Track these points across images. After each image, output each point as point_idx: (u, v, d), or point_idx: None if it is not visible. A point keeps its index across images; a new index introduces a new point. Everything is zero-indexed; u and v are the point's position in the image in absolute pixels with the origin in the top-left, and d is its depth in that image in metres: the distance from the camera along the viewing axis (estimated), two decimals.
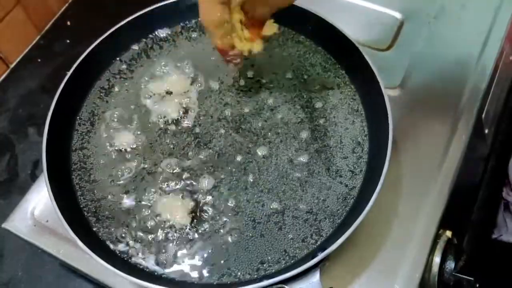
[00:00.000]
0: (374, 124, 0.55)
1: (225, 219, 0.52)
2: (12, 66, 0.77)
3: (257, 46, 0.50)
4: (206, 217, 0.52)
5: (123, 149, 0.56)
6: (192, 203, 0.53)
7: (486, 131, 0.61)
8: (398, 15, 0.68)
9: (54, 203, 0.49)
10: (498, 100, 0.66)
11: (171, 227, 0.52)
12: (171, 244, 0.51)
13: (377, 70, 0.54)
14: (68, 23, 0.82)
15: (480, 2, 0.68)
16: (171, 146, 0.56)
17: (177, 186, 0.54)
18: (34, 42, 0.79)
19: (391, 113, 0.52)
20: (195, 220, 0.52)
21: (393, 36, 0.67)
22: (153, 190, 0.54)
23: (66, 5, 0.83)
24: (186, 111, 0.58)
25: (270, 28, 0.51)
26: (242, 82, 0.60)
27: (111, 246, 0.51)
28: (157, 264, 0.50)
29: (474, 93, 0.62)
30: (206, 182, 0.54)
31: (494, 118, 0.64)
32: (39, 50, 0.79)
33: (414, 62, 0.64)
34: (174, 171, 0.55)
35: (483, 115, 0.61)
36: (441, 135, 0.59)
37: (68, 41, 0.80)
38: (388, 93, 0.60)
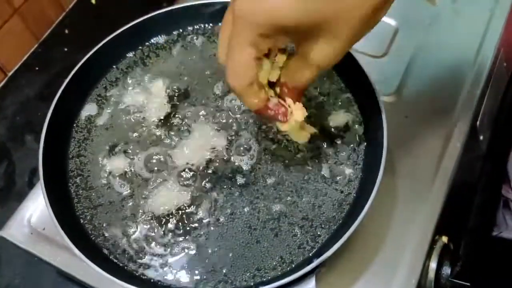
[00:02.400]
0: (369, 130, 0.56)
1: (220, 225, 0.52)
2: (10, 74, 0.78)
3: (299, 114, 0.43)
4: (202, 223, 0.52)
5: (120, 157, 0.56)
6: (188, 209, 0.53)
7: (481, 137, 0.62)
8: (392, 22, 0.68)
9: (51, 210, 0.49)
10: (493, 106, 0.67)
11: (167, 233, 0.52)
12: (167, 251, 0.51)
13: (372, 77, 0.54)
14: (66, 31, 0.82)
15: (474, 9, 0.69)
16: (167, 155, 0.56)
17: (175, 191, 0.54)
18: (32, 50, 0.80)
19: (386, 120, 0.52)
20: (191, 226, 0.52)
21: (388, 43, 0.67)
22: (150, 197, 0.54)
23: (64, 13, 0.83)
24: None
25: (299, 113, 0.43)
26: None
27: (108, 254, 0.51)
28: (154, 271, 0.50)
29: (468, 99, 0.62)
30: (203, 189, 0.54)
31: (489, 123, 0.64)
32: (37, 58, 0.80)
33: (409, 69, 0.65)
34: (171, 178, 0.55)
35: (478, 122, 0.61)
36: (436, 141, 0.59)
37: (65, 49, 0.80)
38: (384, 100, 0.61)
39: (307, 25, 0.36)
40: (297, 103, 0.43)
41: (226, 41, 0.39)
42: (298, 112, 0.43)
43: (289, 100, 0.43)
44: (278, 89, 0.43)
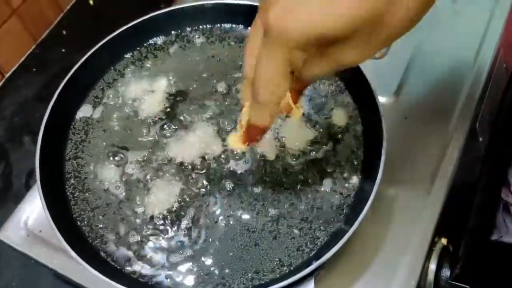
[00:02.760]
0: (368, 132, 0.55)
1: (218, 228, 0.52)
2: (7, 75, 0.78)
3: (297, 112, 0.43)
4: (200, 226, 0.52)
5: (117, 159, 0.56)
6: (186, 211, 0.53)
7: (481, 139, 0.61)
8: None
9: (47, 212, 0.49)
10: (493, 108, 0.67)
11: (165, 236, 0.51)
12: (165, 254, 0.51)
13: (371, 78, 0.54)
14: (64, 32, 0.82)
15: (474, 10, 0.69)
16: (165, 156, 0.56)
17: (172, 194, 0.53)
18: (30, 51, 0.80)
19: (385, 121, 0.52)
20: (188, 228, 0.52)
21: None
22: (147, 199, 0.53)
23: (62, 14, 0.83)
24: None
25: (297, 112, 0.43)
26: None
27: (105, 256, 0.51)
28: (151, 274, 0.50)
29: (468, 101, 0.62)
30: (200, 191, 0.54)
31: (488, 124, 0.64)
32: (35, 59, 0.79)
33: (408, 70, 0.65)
34: (168, 180, 0.54)
35: (477, 123, 0.61)
36: (435, 142, 0.59)
37: (63, 50, 0.80)
38: (383, 101, 0.61)
39: (347, 35, 0.33)
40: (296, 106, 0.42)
41: (253, 55, 0.36)
42: (296, 113, 0.43)
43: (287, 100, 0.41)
44: None
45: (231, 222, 0.52)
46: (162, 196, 0.53)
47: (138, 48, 0.63)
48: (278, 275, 0.49)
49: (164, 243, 0.51)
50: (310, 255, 0.50)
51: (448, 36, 0.67)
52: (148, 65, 0.63)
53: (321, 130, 0.57)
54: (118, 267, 0.50)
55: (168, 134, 0.57)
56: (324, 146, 0.56)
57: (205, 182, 0.54)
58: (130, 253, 0.51)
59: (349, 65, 0.36)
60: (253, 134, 0.40)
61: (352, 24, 0.32)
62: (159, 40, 0.64)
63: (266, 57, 0.34)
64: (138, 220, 0.52)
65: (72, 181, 0.55)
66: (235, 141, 0.42)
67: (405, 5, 0.33)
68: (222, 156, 0.55)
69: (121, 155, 0.56)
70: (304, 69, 0.36)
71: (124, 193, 0.54)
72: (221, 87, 0.60)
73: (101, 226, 0.52)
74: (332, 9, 0.31)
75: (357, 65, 0.37)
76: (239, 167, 0.55)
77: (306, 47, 0.33)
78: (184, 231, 0.52)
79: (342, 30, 0.32)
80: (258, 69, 0.35)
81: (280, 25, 0.32)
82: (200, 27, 0.64)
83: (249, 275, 0.49)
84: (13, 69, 0.78)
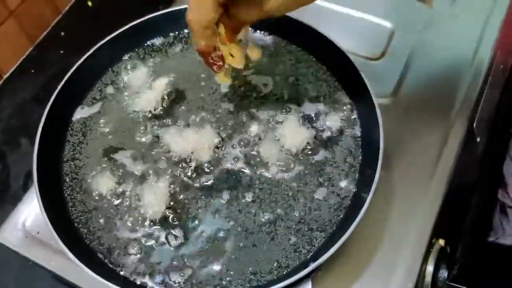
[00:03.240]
0: (366, 132, 0.56)
1: (216, 229, 0.52)
2: (5, 76, 0.77)
3: (254, 53, 0.50)
4: (197, 227, 0.52)
5: (115, 160, 0.56)
6: (183, 213, 0.53)
7: (478, 139, 0.61)
8: (388, 24, 0.68)
9: (45, 214, 0.49)
10: (490, 108, 0.67)
11: (161, 238, 0.51)
12: (162, 255, 0.51)
13: (368, 79, 0.54)
14: (62, 33, 0.82)
15: (471, 12, 0.69)
16: (163, 157, 0.56)
17: (169, 195, 0.54)
18: (28, 52, 0.79)
19: (383, 122, 0.52)
20: (185, 229, 0.52)
21: (384, 45, 0.67)
22: (144, 200, 0.53)
23: (60, 15, 0.83)
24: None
25: (254, 52, 0.51)
26: (231, 92, 0.60)
27: (103, 258, 0.51)
28: (148, 275, 0.50)
29: (465, 101, 0.62)
30: (197, 192, 0.54)
31: (486, 125, 0.64)
32: (33, 61, 0.79)
33: (405, 71, 0.65)
34: (165, 181, 0.54)
35: (475, 124, 0.61)
36: (433, 143, 0.59)
37: (61, 51, 0.80)
38: (380, 102, 0.61)
39: None
40: (235, 51, 0.49)
41: None
42: (255, 53, 0.51)
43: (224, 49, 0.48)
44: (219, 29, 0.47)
45: (228, 224, 0.52)
46: (159, 197, 0.53)
47: (136, 50, 0.64)
48: (275, 277, 0.49)
49: (160, 245, 0.51)
50: (307, 256, 0.50)
51: (445, 37, 0.67)
52: (146, 66, 0.62)
53: (319, 131, 0.57)
54: (115, 269, 0.50)
55: (166, 135, 0.57)
56: (321, 147, 0.56)
57: (202, 183, 0.54)
58: (127, 255, 0.51)
59: (274, 9, 0.42)
60: (206, 58, 0.48)
61: None
62: (158, 41, 0.64)
63: None
64: (135, 222, 0.52)
65: (69, 182, 0.55)
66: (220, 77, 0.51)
67: None
68: (220, 157, 0.55)
69: (119, 156, 0.56)
70: (236, 15, 0.44)
71: (121, 195, 0.54)
72: (219, 88, 0.60)
73: (98, 227, 0.52)
74: None
75: (282, 12, 0.43)
76: (236, 167, 0.55)
77: None
78: (181, 233, 0.52)
79: None
80: None
81: None
82: None
83: (247, 276, 0.49)
84: (11, 70, 0.78)
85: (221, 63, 0.49)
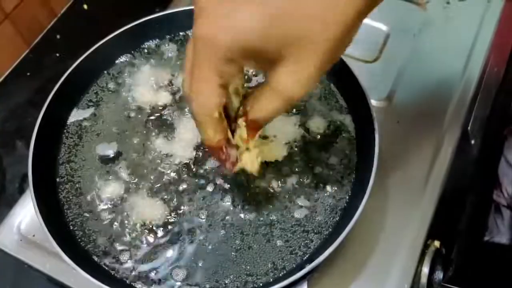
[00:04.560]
0: (361, 135, 0.56)
1: (211, 231, 0.52)
2: (0, 79, 0.77)
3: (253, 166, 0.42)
4: (193, 229, 0.52)
5: (110, 163, 0.56)
6: (179, 214, 0.53)
7: (472, 141, 0.62)
8: (384, 27, 0.69)
9: (40, 217, 0.48)
10: (484, 111, 0.67)
11: (157, 240, 0.51)
12: (157, 257, 0.51)
13: (363, 82, 0.54)
14: (58, 36, 0.82)
15: (465, 14, 0.69)
16: (158, 160, 0.56)
17: (164, 197, 0.54)
18: (23, 55, 0.79)
19: (378, 125, 0.52)
20: (181, 232, 0.52)
21: (379, 48, 0.67)
22: (140, 203, 0.53)
23: (56, 18, 0.83)
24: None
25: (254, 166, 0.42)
26: None
27: (98, 261, 0.51)
28: (144, 277, 0.50)
29: (460, 104, 0.62)
30: (194, 194, 0.54)
31: (480, 127, 0.65)
32: (28, 64, 0.79)
33: (401, 74, 0.65)
34: (161, 184, 0.54)
35: (469, 126, 0.61)
36: (428, 145, 0.59)
37: (57, 54, 0.80)
38: (376, 105, 0.61)
39: (274, 48, 0.33)
40: (251, 153, 0.41)
41: (189, 71, 0.36)
42: (251, 165, 0.42)
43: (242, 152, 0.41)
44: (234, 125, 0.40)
45: (225, 226, 0.52)
46: (155, 200, 0.53)
47: (132, 52, 0.64)
48: (271, 279, 0.49)
49: (156, 247, 0.51)
50: (303, 258, 0.50)
51: (439, 40, 0.68)
52: (142, 69, 0.63)
53: (314, 133, 0.57)
54: (111, 272, 0.50)
55: (162, 137, 0.57)
56: (317, 150, 0.56)
57: (198, 186, 0.54)
58: (123, 258, 0.51)
59: (295, 93, 0.35)
60: (216, 154, 0.40)
61: (272, 34, 0.32)
62: (154, 44, 0.64)
63: (196, 70, 0.34)
64: (131, 225, 0.52)
65: (65, 185, 0.55)
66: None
67: (331, 23, 0.32)
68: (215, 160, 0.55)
69: (115, 159, 0.56)
70: (253, 107, 0.37)
71: (117, 197, 0.54)
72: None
73: (94, 230, 0.52)
74: (254, 21, 0.32)
75: (303, 94, 0.35)
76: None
77: (235, 58, 0.33)
78: (177, 235, 0.52)
79: (264, 40, 0.32)
80: (190, 85, 0.35)
81: (208, 32, 0.33)
82: None
83: (243, 278, 0.49)
84: (6, 73, 0.78)
85: (234, 159, 0.41)
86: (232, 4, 0.32)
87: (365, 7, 0.33)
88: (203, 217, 0.53)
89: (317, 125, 0.57)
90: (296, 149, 0.56)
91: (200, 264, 0.50)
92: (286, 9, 0.32)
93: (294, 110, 0.58)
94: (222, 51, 0.33)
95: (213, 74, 0.34)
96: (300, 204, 0.53)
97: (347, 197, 0.53)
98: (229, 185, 0.54)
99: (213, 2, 0.33)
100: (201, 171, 0.55)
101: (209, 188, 0.54)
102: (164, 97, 0.60)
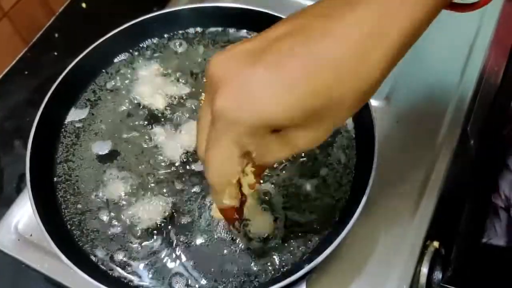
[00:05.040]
0: (360, 135, 0.56)
1: (210, 231, 0.52)
2: None
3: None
4: (191, 229, 0.52)
5: (108, 162, 0.56)
6: (177, 215, 0.52)
7: (472, 142, 0.62)
8: None
9: (37, 216, 0.48)
10: (484, 110, 0.67)
11: (155, 240, 0.51)
12: (155, 257, 0.50)
13: None
14: (56, 35, 0.82)
15: (464, 14, 0.69)
16: (156, 160, 0.56)
17: (163, 197, 0.53)
18: (21, 54, 0.79)
19: (377, 125, 0.52)
20: (179, 232, 0.52)
21: None
22: (137, 203, 0.53)
23: (54, 17, 0.82)
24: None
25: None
26: None
27: (96, 260, 0.51)
28: (141, 278, 0.50)
29: (459, 104, 0.62)
30: (192, 195, 0.53)
31: (479, 127, 0.64)
32: (26, 63, 0.79)
33: (400, 74, 0.65)
34: (159, 184, 0.54)
35: (469, 127, 0.61)
36: (427, 145, 0.59)
37: (55, 53, 0.79)
38: (375, 105, 0.61)
39: (299, 121, 0.32)
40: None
41: (204, 136, 0.35)
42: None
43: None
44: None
45: (223, 225, 0.52)
46: (153, 201, 0.53)
47: (130, 51, 0.63)
48: (269, 279, 0.49)
49: (154, 247, 0.51)
50: (302, 258, 0.50)
51: (440, 38, 0.67)
52: (141, 68, 0.62)
53: None
54: (109, 271, 0.50)
55: (160, 137, 0.57)
56: (316, 149, 0.56)
57: (196, 185, 0.54)
58: (121, 258, 0.51)
59: (305, 149, 0.35)
60: (228, 215, 0.40)
61: (299, 111, 0.31)
62: (152, 43, 0.64)
63: (215, 141, 0.33)
64: (128, 224, 0.52)
65: (62, 184, 0.55)
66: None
67: (351, 93, 0.32)
68: None
69: (113, 158, 0.56)
70: (261, 155, 0.35)
71: (115, 196, 0.54)
72: None
73: (91, 229, 0.52)
74: (281, 99, 0.31)
75: (313, 147, 0.36)
76: None
77: (256, 133, 0.32)
78: (175, 235, 0.51)
79: (291, 117, 0.31)
80: (207, 152, 0.34)
81: (232, 111, 0.31)
82: (193, 30, 0.64)
83: (241, 278, 0.49)
84: (4, 72, 0.77)
85: (238, 217, 0.41)
86: (248, 71, 0.31)
87: (380, 79, 0.33)
88: (201, 217, 0.52)
89: None
90: None
91: (197, 265, 0.50)
92: (309, 86, 0.31)
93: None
94: (244, 128, 0.32)
95: (234, 147, 0.33)
96: (298, 204, 0.53)
97: (346, 197, 0.53)
98: None
99: (228, 71, 0.32)
100: (200, 171, 0.55)
101: (208, 188, 0.54)
102: (162, 97, 0.60)
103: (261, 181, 0.41)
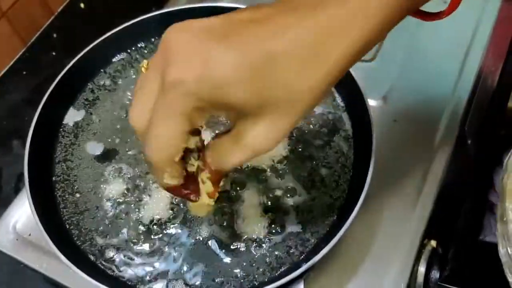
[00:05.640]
0: (358, 134, 0.56)
1: (210, 231, 0.52)
2: None
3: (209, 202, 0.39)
4: (190, 228, 0.52)
5: (107, 162, 0.56)
6: (176, 215, 0.52)
7: (469, 141, 0.62)
8: None
9: (36, 216, 0.48)
10: (482, 110, 0.67)
11: (154, 240, 0.51)
12: (154, 257, 0.51)
13: (360, 81, 0.54)
14: (54, 35, 0.81)
15: (463, 11, 0.69)
16: None
17: (161, 197, 0.53)
18: (20, 54, 0.79)
19: (375, 124, 0.52)
20: (178, 232, 0.52)
21: (376, 47, 0.67)
22: (137, 202, 0.53)
23: (53, 17, 0.82)
24: None
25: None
26: None
27: (94, 260, 0.51)
28: (140, 277, 0.50)
29: (457, 104, 0.62)
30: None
31: (477, 126, 0.65)
32: (25, 63, 0.79)
33: (398, 73, 0.65)
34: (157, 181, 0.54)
35: (466, 126, 0.61)
36: (425, 145, 0.59)
37: (54, 53, 0.79)
38: (372, 104, 0.61)
39: (250, 106, 0.31)
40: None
41: (146, 106, 0.33)
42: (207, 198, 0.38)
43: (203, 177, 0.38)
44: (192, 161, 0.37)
45: (221, 226, 0.52)
46: (152, 200, 0.53)
47: (129, 51, 0.64)
48: (267, 278, 0.49)
49: (153, 248, 0.51)
50: (300, 257, 0.50)
51: (436, 39, 0.68)
52: (139, 68, 0.62)
53: (310, 132, 0.57)
54: (107, 271, 0.50)
55: None
56: (313, 149, 0.56)
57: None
58: (119, 257, 0.51)
59: (259, 150, 0.34)
60: (178, 193, 0.38)
61: (257, 98, 0.31)
62: (150, 42, 0.64)
63: (163, 113, 0.32)
64: (127, 224, 0.52)
65: (61, 184, 0.55)
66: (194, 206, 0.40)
67: (306, 88, 0.32)
68: None
69: (111, 158, 0.56)
70: (216, 158, 0.35)
71: (114, 196, 0.54)
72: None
73: (90, 229, 0.52)
74: (242, 79, 0.30)
75: (268, 150, 0.34)
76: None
77: (206, 107, 0.32)
78: (174, 235, 0.52)
79: (248, 97, 0.31)
80: (152, 125, 0.33)
81: (179, 79, 0.30)
82: None
83: (239, 277, 0.49)
84: (3, 72, 0.77)
85: (197, 190, 0.38)
86: (209, 47, 0.30)
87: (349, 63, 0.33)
88: (199, 218, 0.52)
89: (314, 124, 0.57)
90: (292, 148, 0.56)
91: (195, 264, 0.50)
92: (271, 74, 0.30)
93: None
94: (200, 102, 0.31)
95: (184, 120, 0.32)
96: (296, 203, 0.53)
97: (344, 197, 0.53)
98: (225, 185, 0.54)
99: (188, 44, 0.31)
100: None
101: None
102: None
103: (219, 190, 0.38)
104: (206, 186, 0.37)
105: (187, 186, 0.37)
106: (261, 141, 0.33)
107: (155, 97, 0.32)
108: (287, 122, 0.33)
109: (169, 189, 0.37)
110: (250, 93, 0.31)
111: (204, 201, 0.38)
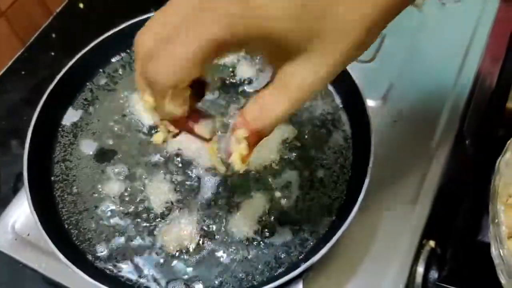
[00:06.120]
0: (357, 134, 0.56)
1: (209, 230, 0.52)
2: None
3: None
4: (190, 228, 0.52)
5: (106, 162, 0.56)
6: (175, 215, 0.52)
7: (467, 141, 0.62)
8: None
9: (35, 215, 0.48)
10: (480, 110, 0.67)
11: (153, 240, 0.51)
12: (152, 257, 0.51)
13: (359, 82, 0.54)
14: (53, 35, 0.82)
15: (462, 13, 0.70)
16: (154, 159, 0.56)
17: (160, 196, 0.53)
18: (18, 54, 0.79)
19: (374, 124, 0.52)
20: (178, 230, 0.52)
21: (375, 47, 0.67)
22: (136, 202, 0.53)
23: (51, 17, 0.83)
24: None
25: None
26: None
27: (93, 259, 0.51)
28: (139, 278, 0.50)
29: (455, 104, 0.63)
30: (190, 194, 0.54)
31: (475, 127, 0.65)
32: (24, 63, 0.79)
33: (396, 74, 0.65)
34: (156, 181, 0.54)
35: (465, 126, 0.62)
36: (423, 145, 0.60)
37: (52, 53, 0.80)
38: (371, 105, 0.61)
39: (303, 38, 0.29)
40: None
41: (159, 32, 0.30)
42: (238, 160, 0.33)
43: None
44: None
45: (220, 225, 0.52)
46: (151, 199, 0.53)
47: (127, 51, 0.63)
48: (266, 278, 0.49)
49: (152, 247, 0.51)
50: (299, 257, 0.50)
51: (435, 40, 0.68)
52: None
53: (309, 132, 0.57)
54: (106, 270, 0.50)
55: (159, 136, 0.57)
56: (312, 149, 0.56)
57: (195, 183, 0.54)
58: (118, 257, 0.51)
59: (305, 90, 0.31)
60: (179, 125, 0.35)
61: (299, 22, 0.29)
62: None
63: (193, 27, 0.29)
64: (126, 223, 0.52)
65: (60, 184, 0.55)
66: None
67: (365, 15, 0.30)
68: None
69: (110, 158, 0.56)
70: (262, 112, 0.32)
71: (113, 196, 0.54)
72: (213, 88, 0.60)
73: (89, 229, 0.52)
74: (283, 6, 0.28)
75: (312, 94, 0.31)
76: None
77: (246, 40, 0.29)
78: (172, 235, 0.52)
79: (289, 27, 0.29)
80: (171, 39, 0.29)
81: (225, 4, 0.28)
82: None
83: (238, 277, 0.49)
84: (1, 72, 0.77)
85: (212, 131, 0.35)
86: None
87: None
88: (199, 217, 0.52)
89: (313, 124, 0.57)
90: (291, 148, 0.56)
91: (194, 264, 0.50)
92: None
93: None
94: (231, 27, 0.28)
95: (206, 44, 0.28)
96: (295, 203, 0.53)
97: (343, 196, 0.53)
98: (225, 184, 0.54)
99: None
100: (199, 171, 0.55)
101: (207, 188, 0.54)
102: None
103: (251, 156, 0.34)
104: (240, 147, 0.33)
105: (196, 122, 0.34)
106: (311, 81, 0.31)
107: (175, 23, 0.29)
108: (338, 56, 0.30)
109: (175, 119, 0.33)
110: (298, 24, 0.29)
111: (235, 163, 0.33)
